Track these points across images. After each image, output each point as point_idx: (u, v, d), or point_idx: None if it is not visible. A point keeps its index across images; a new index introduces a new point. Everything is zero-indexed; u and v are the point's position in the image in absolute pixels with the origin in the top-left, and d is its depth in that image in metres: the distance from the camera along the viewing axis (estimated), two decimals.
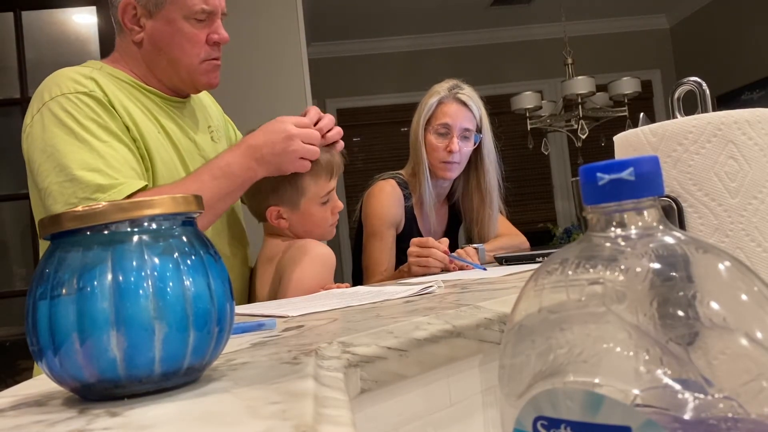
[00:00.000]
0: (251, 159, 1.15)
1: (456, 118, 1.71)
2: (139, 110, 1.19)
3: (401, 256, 1.71)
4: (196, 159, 1.26)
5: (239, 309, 0.93)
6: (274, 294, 1.26)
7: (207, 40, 1.22)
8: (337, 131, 1.27)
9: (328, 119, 1.27)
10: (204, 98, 1.43)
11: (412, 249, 1.50)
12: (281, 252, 1.28)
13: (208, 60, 1.24)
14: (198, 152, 1.28)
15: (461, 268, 1.49)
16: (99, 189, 1.06)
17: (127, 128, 1.15)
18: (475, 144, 1.75)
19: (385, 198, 1.73)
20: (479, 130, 1.76)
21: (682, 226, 0.56)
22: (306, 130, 1.20)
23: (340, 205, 1.34)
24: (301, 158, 1.19)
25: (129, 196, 1.06)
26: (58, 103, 1.12)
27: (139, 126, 1.16)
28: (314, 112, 1.26)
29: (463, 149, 1.72)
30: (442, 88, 1.76)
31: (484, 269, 1.37)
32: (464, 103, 1.73)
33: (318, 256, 1.23)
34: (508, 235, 1.89)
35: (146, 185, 1.10)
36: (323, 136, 1.24)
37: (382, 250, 1.70)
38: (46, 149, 1.10)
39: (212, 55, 1.24)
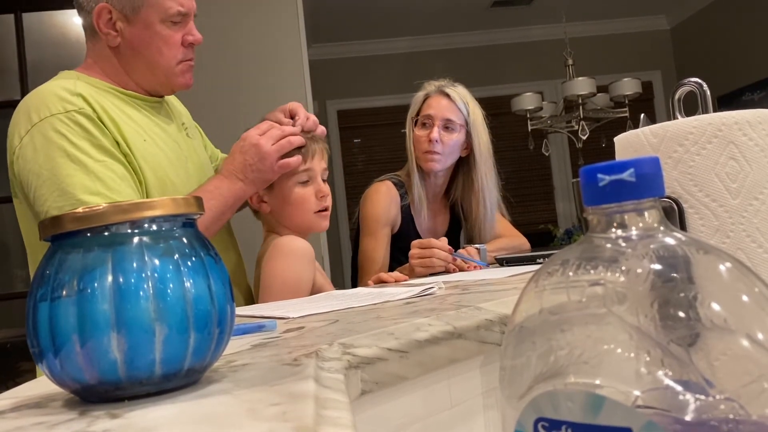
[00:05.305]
0: (237, 180, 1.21)
1: (438, 109, 1.75)
2: (123, 120, 1.18)
3: (399, 256, 1.72)
4: (180, 158, 1.27)
5: (240, 310, 0.93)
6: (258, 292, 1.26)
7: (182, 42, 1.23)
8: (314, 121, 1.33)
9: (303, 115, 1.32)
10: (170, 98, 1.41)
11: (414, 251, 1.50)
12: (263, 251, 1.28)
13: (184, 61, 1.25)
14: (180, 151, 1.29)
15: (461, 269, 1.50)
16: None
17: (117, 143, 1.14)
18: (462, 128, 1.74)
19: (380, 198, 1.75)
20: (467, 124, 1.76)
21: (682, 227, 0.56)
22: (270, 131, 1.24)
23: (326, 189, 1.32)
24: (281, 159, 1.23)
25: None
26: (49, 124, 1.09)
27: (127, 138, 1.15)
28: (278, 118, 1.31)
29: (446, 140, 1.72)
30: (430, 84, 1.81)
31: (486, 264, 1.38)
32: (448, 96, 1.76)
33: (291, 248, 1.23)
34: (509, 237, 1.89)
35: None
36: (303, 131, 1.29)
37: (375, 248, 1.72)
38: (42, 173, 1.08)
39: (188, 56, 1.26)
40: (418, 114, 1.78)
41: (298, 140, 1.25)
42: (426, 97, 1.79)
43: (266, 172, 1.22)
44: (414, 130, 1.77)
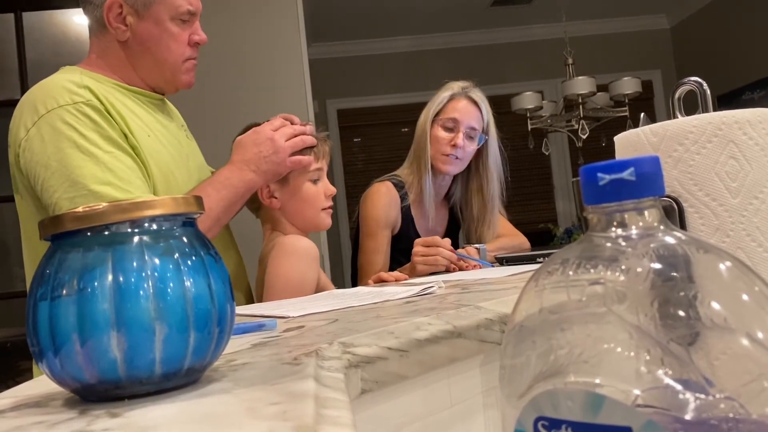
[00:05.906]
0: (248, 171, 1.22)
1: (464, 114, 1.74)
2: (128, 114, 1.18)
3: (399, 257, 1.72)
4: (182, 156, 1.27)
5: (240, 309, 0.93)
6: (262, 291, 1.26)
7: (188, 41, 1.25)
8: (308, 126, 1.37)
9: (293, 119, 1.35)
10: (169, 102, 1.42)
11: (418, 249, 1.50)
12: (268, 249, 1.29)
13: (190, 59, 1.27)
14: (181, 149, 1.29)
15: (460, 269, 1.50)
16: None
17: (125, 136, 1.14)
18: (479, 144, 1.77)
19: (380, 199, 1.75)
20: (485, 132, 1.78)
21: (683, 226, 0.56)
22: (282, 129, 1.27)
23: (333, 189, 1.39)
24: (293, 155, 1.27)
25: None
26: (57, 116, 1.08)
27: (134, 132, 1.15)
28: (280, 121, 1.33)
29: (466, 147, 1.74)
30: (455, 85, 1.80)
31: (490, 265, 1.39)
32: (475, 102, 1.76)
33: (296, 248, 1.25)
34: (509, 236, 1.89)
35: None
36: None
37: (375, 250, 1.72)
38: (50, 164, 1.07)
39: (193, 55, 1.28)
40: (439, 113, 1.77)
41: (310, 140, 1.30)
42: (450, 98, 1.77)
43: (279, 165, 1.25)
44: (434, 130, 1.76)
